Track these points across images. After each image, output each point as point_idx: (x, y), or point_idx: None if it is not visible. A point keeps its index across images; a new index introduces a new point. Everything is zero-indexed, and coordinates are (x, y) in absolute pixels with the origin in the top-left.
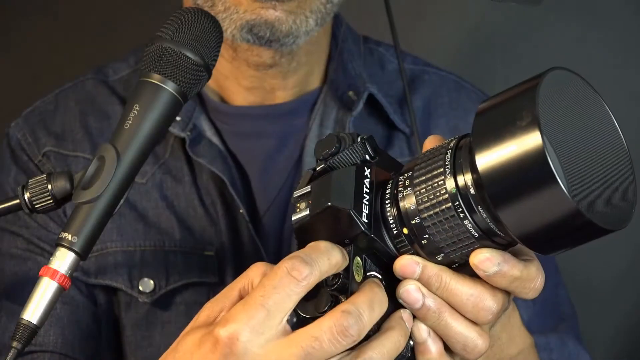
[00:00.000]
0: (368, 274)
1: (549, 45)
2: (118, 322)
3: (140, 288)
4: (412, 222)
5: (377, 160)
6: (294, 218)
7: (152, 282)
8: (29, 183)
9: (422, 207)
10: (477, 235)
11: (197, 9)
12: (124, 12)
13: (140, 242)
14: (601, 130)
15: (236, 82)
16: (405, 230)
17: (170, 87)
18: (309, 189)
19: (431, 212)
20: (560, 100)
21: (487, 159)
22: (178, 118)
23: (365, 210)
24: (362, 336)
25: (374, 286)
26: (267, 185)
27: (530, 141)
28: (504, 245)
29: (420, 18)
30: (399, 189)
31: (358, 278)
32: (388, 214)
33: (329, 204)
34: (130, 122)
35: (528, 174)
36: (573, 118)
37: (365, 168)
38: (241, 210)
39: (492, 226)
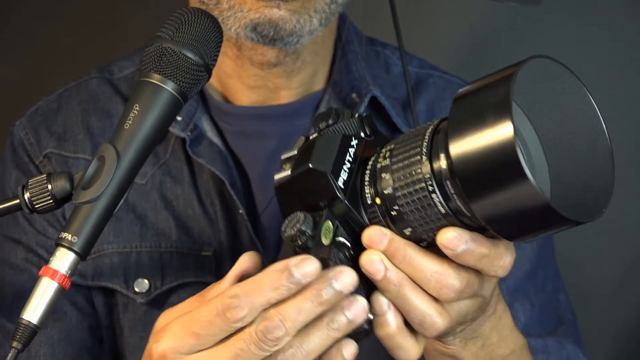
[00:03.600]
0: (337, 239)
1: (549, 45)
2: (117, 323)
3: (136, 289)
4: (385, 192)
5: (372, 140)
6: (276, 177)
7: (147, 282)
8: (29, 183)
9: (396, 182)
10: (446, 214)
11: (197, 9)
12: (127, 12)
13: (136, 244)
14: (583, 120)
15: (240, 81)
16: (377, 201)
17: (170, 87)
18: (296, 152)
19: (404, 188)
20: (541, 87)
21: (460, 145)
22: (179, 118)
23: (343, 176)
24: (286, 338)
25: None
26: (268, 185)
27: (501, 132)
28: (474, 228)
29: (420, 18)
30: (379, 161)
31: (325, 241)
32: (366, 184)
33: (309, 166)
34: (130, 122)
35: (498, 164)
36: (554, 105)
37: (353, 139)
38: (240, 211)
39: (463, 209)
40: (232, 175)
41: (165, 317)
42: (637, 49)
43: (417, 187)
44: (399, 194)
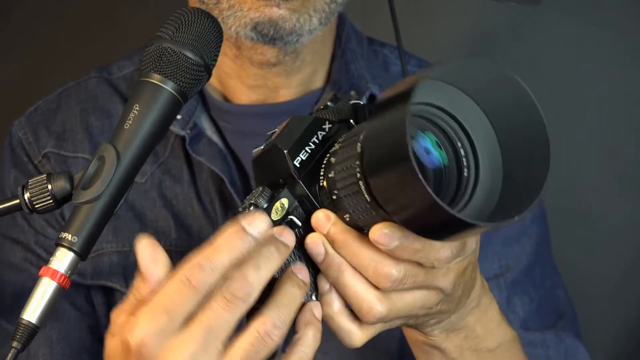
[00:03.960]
0: (289, 217)
1: (548, 45)
2: None
3: None
4: (329, 176)
5: (355, 127)
6: (253, 151)
7: None
8: (29, 183)
9: (337, 166)
10: (371, 203)
11: (197, 9)
12: (127, 12)
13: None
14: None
15: (239, 80)
16: (324, 184)
17: (170, 87)
18: (277, 130)
19: (340, 173)
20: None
21: (369, 129)
22: (178, 116)
23: (303, 156)
24: (253, 296)
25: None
26: None
27: (397, 116)
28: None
29: (420, 18)
30: (334, 145)
31: (275, 216)
32: (322, 167)
33: (274, 142)
34: (130, 122)
35: (390, 152)
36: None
37: (327, 123)
38: (240, 209)
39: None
40: (232, 174)
41: (122, 313)
42: (637, 49)
43: (349, 172)
44: (337, 177)
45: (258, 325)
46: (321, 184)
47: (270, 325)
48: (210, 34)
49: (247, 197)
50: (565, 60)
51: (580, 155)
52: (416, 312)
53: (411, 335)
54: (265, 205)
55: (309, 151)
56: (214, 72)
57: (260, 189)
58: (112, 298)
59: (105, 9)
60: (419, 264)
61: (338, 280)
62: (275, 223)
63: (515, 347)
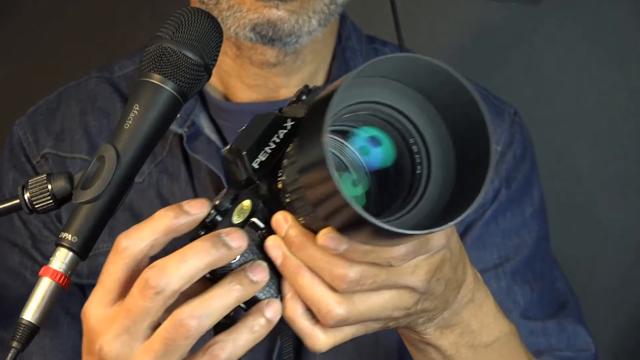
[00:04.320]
0: (252, 220)
1: (548, 46)
2: None
3: None
4: (282, 177)
5: None
6: (222, 150)
7: None
8: (29, 183)
9: (286, 165)
10: (312, 205)
11: (197, 9)
12: (127, 12)
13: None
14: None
15: (239, 79)
16: (280, 185)
17: (170, 87)
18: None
19: (288, 173)
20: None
21: (300, 130)
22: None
23: (262, 157)
24: (170, 287)
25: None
26: None
27: (316, 126)
28: None
29: (420, 18)
30: (290, 146)
31: (237, 219)
32: (280, 167)
33: (233, 143)
34: (130, 122)
35: (310, 157)
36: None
37: (289, 120)
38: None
39: None
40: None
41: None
42: (637, 49)
43: (294, 177)
44: (287, 180)
45: (176, 313)
46: (278, 185)
47: (187, 314)
48: (210, 34)
49: (215, 198)
50: (565, 61)
51: (581, 155)
52: (389, 313)
53: (405, 333)
54: (229, 207)
55: (269, 151)
56: (214, 70)
57: (225, 190)
58: None
59: (106, 9)
60: (376, 264)
61: (296, 283)
62: (238, 226)
63: (513, 340)
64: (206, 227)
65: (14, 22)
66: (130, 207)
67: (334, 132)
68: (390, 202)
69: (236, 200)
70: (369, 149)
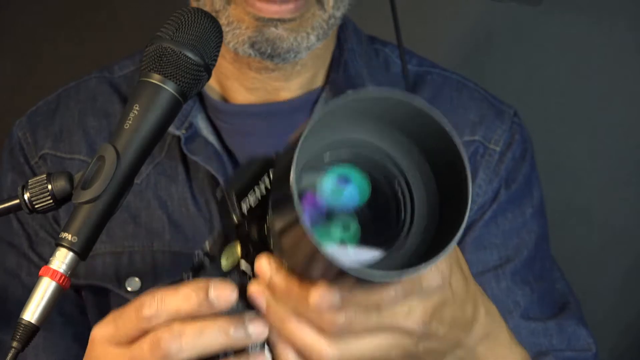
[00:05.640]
0: (240, 268)
1: (548, 46)
2: None
3: (128, 288)
4: (268, 219)
5: None
6: (217, 193)
7: (138, 280)
8: (29, 183)
9: (270, 207)
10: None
11: (197, 9)
12: (128, 12)
13: (129, 243)
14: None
15: (238, 82)
16: (266, 228)
17: (170, 87)
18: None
19: (271, 214)
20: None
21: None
22: None
23: (251, 200)
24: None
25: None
26: None
27: (284, 168)
28: None
29: (420, 18)
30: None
31: (225, 263)
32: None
33: (223, 187)
34: (130, 122)
35: (279, 203)
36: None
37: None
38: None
39: None
40: (227, 174)
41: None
42: (637, 49)
43: (276, 232)
44: (270, 223)
45: (150, 337)
46: (265, 230)
47: (158, 339)
48: (210, 34)
49: (207, 240)
50: (565, 61)
51: (581, 155)
52: (386, 354)
53: None
54: (212, 253)
55: (259, 196)
56: (212, 72)
57: (216, 233)
58: (104, 299)
59: (106, 10)
60: (367, 307)
61: (284, 329)
62: (226, 272)
63: None
64: (193, 269)
65: (14, 22)
66: (127, 208)
67: (314, 172)
68: (378, 241)
69: (226, 244)
70: (340, 189)
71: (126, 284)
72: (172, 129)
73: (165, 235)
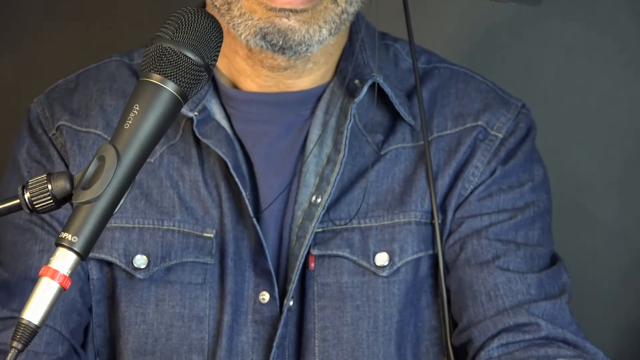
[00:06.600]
0: None
1: (548, 46)
2: (113, 297)
3: (135, 264)
4: None
5: None
6: None
7: (146, 258)
8: (29, 183)
9: None
10: None
11: (197, 9)
12: (128, 12)
13: (139, 220)
14: None
15: (250, 79)
16: None
17: (170, 87)
18: None
19: None
20: None
21: None
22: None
23: None
24: None
25: None
26: (270, 170)
27: None
28: None
29: (419, 18)
30: None
31: None
32: None
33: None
34: (130, 122)
35: None
36: None
37: None
38: (244, 194)
39: None
40: (237, 158)
41: None
42: (637, 49)
43: None
44: None
45: None
46: None
47: None
48: (210, 34)
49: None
50: (565, 61)
51: (581, 155)
52: None
53: None
54: None
55: None
56: (226, 65)
57: None
58: (109, 273)
59: (105, 9)
60: None
61: None
62: None
63: None
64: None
65: (14, 22)
66: (140, 185)
67: None
68: None
69: None
70: None
71: (133, 261)
72: (185, 110)
73: (176, 215)
